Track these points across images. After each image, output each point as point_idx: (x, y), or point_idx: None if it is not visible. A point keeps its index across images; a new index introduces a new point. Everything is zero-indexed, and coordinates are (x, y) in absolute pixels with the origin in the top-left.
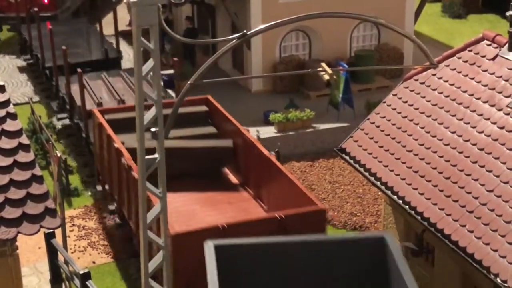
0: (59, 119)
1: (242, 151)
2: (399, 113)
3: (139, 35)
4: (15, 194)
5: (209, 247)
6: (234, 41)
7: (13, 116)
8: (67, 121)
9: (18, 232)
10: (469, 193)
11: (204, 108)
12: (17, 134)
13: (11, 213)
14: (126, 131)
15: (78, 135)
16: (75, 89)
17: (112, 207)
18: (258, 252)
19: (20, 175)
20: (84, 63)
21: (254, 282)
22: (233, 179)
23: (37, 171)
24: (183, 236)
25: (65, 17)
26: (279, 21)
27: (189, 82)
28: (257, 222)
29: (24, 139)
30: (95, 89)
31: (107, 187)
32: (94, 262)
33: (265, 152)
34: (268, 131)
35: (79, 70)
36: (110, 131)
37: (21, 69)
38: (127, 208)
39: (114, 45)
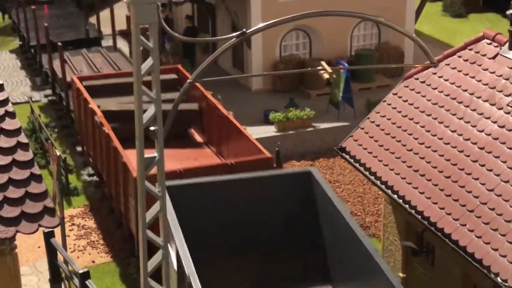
0: (46, 96)
1: (206, 113)
2: (399, 112)
3: (138, 34)
4: (14, 193)
5: None
6: (234, 39)
7: (12, 115)
8: (50, 98)
9: (17, 231)
10: (470, 192)
11: (174, 76)
12: (15, 132)
13: (9, 212)
14: (102, 96)
15: (61, 106)
16: (57, 64)
17: (92, 170)
18: (204, 189)
19: (18, 174)
20: (66, 42)
21: (204, 215)
22: (198, 138)
23: (36, 170)
24: None
25: (62, 2)
26: (279, 19)
27: (188, 80)
28: (211, 168)
29: (23, 138)
30: (75, 63)
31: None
32: (93, 262)
33: (225, 112)
34: (268, 130)
35: (59, 43)
36: (86, 94)
37: (12, 51)
38: (100, 161)
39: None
